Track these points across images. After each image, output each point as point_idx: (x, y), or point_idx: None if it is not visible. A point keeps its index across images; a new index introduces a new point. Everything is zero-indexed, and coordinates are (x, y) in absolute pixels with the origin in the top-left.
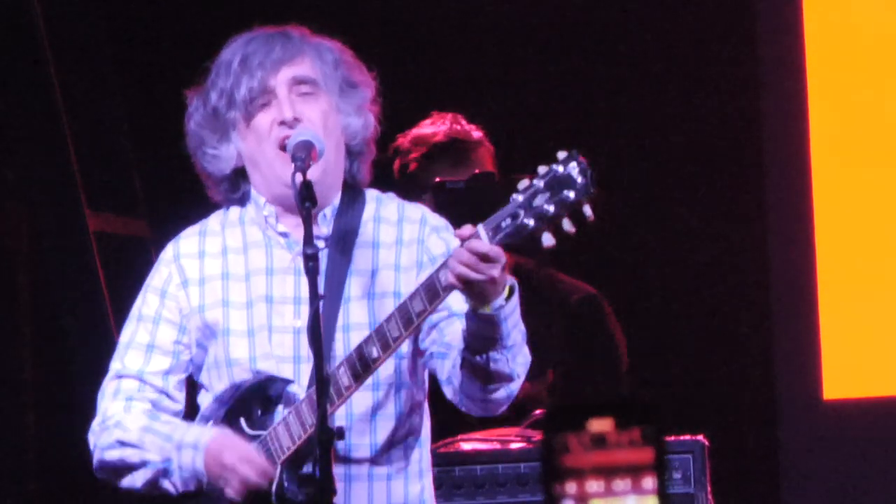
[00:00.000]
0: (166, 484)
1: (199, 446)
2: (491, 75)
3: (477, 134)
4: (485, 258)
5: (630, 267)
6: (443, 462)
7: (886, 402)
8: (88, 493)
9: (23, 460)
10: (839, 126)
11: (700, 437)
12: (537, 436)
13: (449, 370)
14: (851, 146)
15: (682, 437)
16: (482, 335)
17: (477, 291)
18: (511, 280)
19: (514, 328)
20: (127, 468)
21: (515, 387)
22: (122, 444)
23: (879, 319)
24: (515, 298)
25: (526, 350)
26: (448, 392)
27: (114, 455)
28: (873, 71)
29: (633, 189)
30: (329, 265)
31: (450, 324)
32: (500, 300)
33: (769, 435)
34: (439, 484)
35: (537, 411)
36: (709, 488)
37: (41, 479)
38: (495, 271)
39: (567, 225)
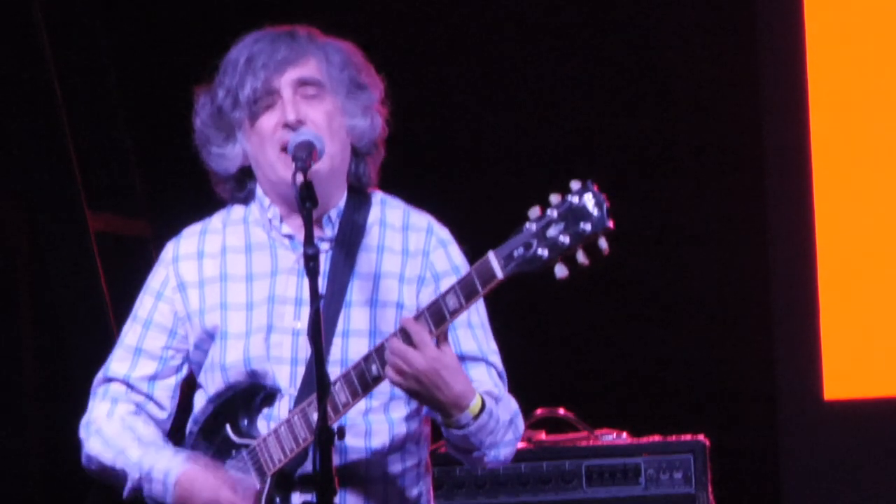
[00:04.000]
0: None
1: (168, 482)
2: (490, 75)
3: None
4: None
5: (630, 267)
6: (444, 462)
7: (887, 403)
8: (87, 492)
9: (23, 460)
10: (839, 126)
11: (700, 437)
12: (538, 435)
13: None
14: (852, 146)
15: (682, 437)
16: (456, 444)
17: (421, 395)
18: (477, 397)
19: (491, 434)
20: (106, 480)
21: (507, 458)
22: (100, 463)
23: (880, 320)
24: (485, 416)
25: (516, 426)
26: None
27: (93, 468)
28: (874, 71)
29: (633, 189)
30: (332, 268)
31: None
32: (465, 417)
33: (769, 435)
34: (440, 484)
35: (538, 411)
36: (709, 488)
37: (42, 479)
38: (418, 363)
39: (581, 257)
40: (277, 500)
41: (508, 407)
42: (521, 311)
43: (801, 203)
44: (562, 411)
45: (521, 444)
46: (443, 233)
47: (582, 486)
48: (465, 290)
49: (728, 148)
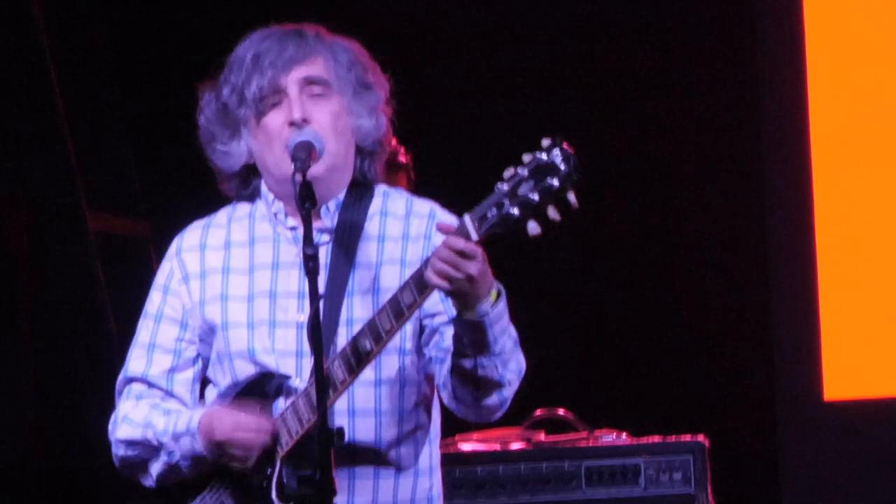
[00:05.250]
0: (179, 472)
1: (192, 431)
2: (490, 76)
3: (402, 159)
4: (462, 254)
5: (630, 267)
6: (443, 462)
7: (887, 403)
8: (89, 491)
9: (23, 460)
10: (839, 126)
11: (700, 438)
12: (537, 436)
13: (444, 375)
14: (852, 146)
15: (682, 438)
16: (469, 340)
17: (457, 290)
18: (498, 285)
19: (503, 334)
20: (139, 464)
21: (508, 393)
22: (129, 442)
23: (880, 320)
24: (502, 304)
25: (519, 357)
26: (444, 397)
27: (124, 453)
28: (873, 71)
29: (633, 189)
30: (332, 259)
31: (449, 328)
32: (485, 305)
33: (769, 435)
34: None
35: (538, 411)
36: (709, 488)
37: (42, 479)
38: (472, 269)
39: (552, 213)
40: (286, 482)
41: (513, 329)
42: (520, 312)
43: (801, 203)
44: (561, 412)
45: (520, 445)
46: (445, 217)
47: (581, 486)
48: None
49: (727, 149)
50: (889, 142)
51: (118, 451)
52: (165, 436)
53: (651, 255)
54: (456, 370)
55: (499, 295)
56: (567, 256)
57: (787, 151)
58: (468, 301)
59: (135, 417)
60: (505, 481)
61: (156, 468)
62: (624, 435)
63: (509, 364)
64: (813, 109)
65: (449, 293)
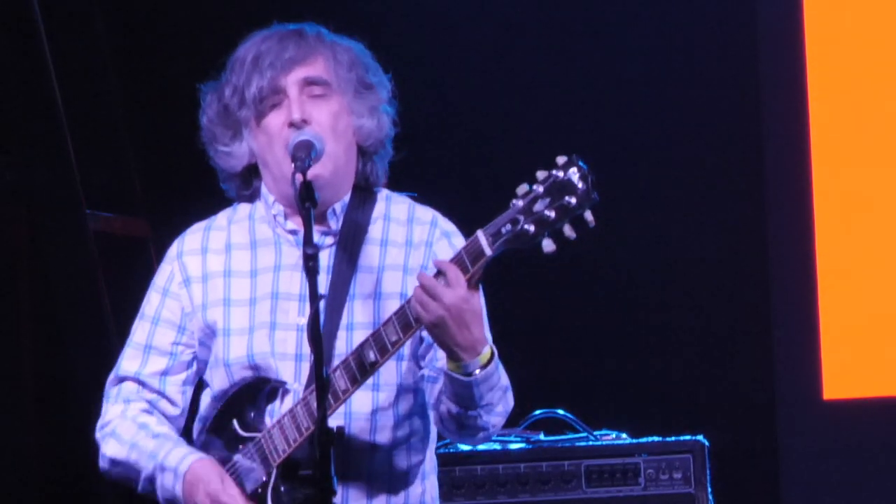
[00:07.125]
0: (157, 494)
1: (178, 474)
2: (489, 78)
3: None
4: (445, 282)
5: (630, 267)
6: (443, 462)
7: (887, 403)
8: (88, 492)
9: (23, 460)
10: (840, 126)
11: (700, 438)
12: (537, 436)
13: (435, 397)
14: (852, 146)
15: (682, 438)
16: (453, 392)
17: (438, 322)
18: (488, 347)
19: (491, 390)
20: (123, 480)
21: (493, 432)
22: (117, 461)
23: (880, 319)
24: (493, 366)
25: (508, 398)
26: (433, 417)
27: (109, 469)
28: (874, 71)
29: (633, 189)
30: (335, 262)
31: None
32: (473, 364)
33: (769, 435)
34: (439, 484)
35: (537, 412)
36: (709, 488)
37: (41, 479)
38: (447, 297)
39: (568, 231)
40: (282, 489)
41: (505, 377)
42: (520, 312)
43: (801, 203)
44: (561, 412)
45: (520, 445)
46: (447, 225)
47: (581, 486)
48: (458, 268)
49: (727, 149)
50: (889, 142)
51: (104, 465)
52: (151, 460)
53: (651, 255)
54: (443, 410)
55: (491, 356)
56: (567, 256)
57: (787, 151)
58: (453, 350)
59: (122, 433)
60: (505, 481)
61: (140, 486)
62: (623, 435)
63: (494, 410)
64: (813, 109)
65: (431, 328)
